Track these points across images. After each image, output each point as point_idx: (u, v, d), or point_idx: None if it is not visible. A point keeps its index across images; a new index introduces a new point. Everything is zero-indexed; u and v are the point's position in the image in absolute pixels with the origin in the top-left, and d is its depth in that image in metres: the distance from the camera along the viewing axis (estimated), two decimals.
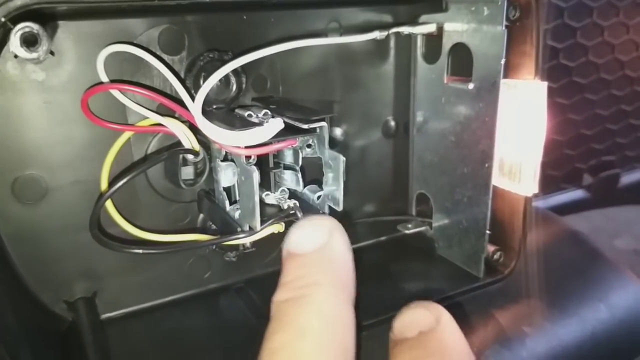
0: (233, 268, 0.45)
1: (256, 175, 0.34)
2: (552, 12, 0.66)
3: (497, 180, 0.45)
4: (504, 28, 0.40)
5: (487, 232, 0.44)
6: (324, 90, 0.47)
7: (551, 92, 0.70)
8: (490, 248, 0.46)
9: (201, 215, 0.43)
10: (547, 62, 0.67)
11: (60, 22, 0.35)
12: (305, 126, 0.36)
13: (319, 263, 0.28)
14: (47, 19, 0.33)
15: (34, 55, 0.28)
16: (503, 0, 0.40)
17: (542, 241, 0.53)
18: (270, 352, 0.26)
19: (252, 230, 0.36)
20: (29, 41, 0.28)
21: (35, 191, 0.38)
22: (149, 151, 0.41)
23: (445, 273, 0.47)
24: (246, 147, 0.34)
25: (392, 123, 0.51)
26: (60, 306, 0.40)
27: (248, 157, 0.35)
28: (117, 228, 0.39)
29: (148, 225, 0.41)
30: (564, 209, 0.73)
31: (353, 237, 0.50)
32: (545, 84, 0.42)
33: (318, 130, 0.37)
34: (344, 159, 0.37)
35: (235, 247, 0.39)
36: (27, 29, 0.28)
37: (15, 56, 0.29)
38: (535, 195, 0.44)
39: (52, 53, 0.36)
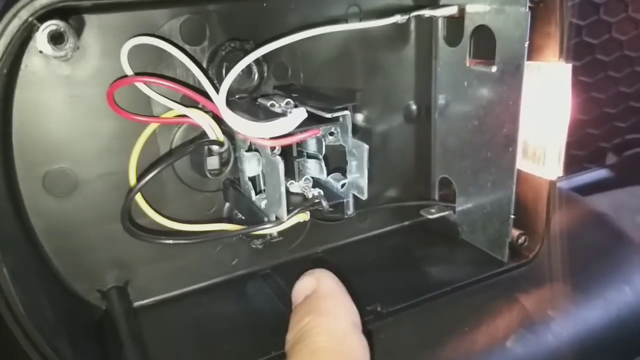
0: (259, 255, 0.46)
1: (281, 166, 0.34)
2: None
3: (521, 163, 0.44)
4: (527, 9, 0.39)
5: (512, 216, 0.44)
6: (345, 76, 0.47)
7: (574, 71, 0.68)
8: (515, 232, 0.46)
9: (227, 204, 0.44)
10: (570, 40, 0.65)
11: (84, 16, 0.35)
12: (328, 115, 0.36)
13: (310, 304, 0.33)
14: (71, 14, 0.33)
15: (62, 53, 0.29)
16: None
17: (566, 224, 0.52)
18: None
19: (278, 220, 0.36)
20: (56, 39, 0.29)
21: (66, 184, 0.39)
22: (175, 142, 0.41)
23: (469, 258, 0.47)
24: (271, 138, 0.34)
25: (414, 107, 0.51)
26: (94, 295, 0.41)
27: (273, 148, 0.36)
28: (146, 219, 0.40)
29: (176, 214, 0.42)
30: (588, 189, 0.72)
31: (377, 223, 0.52)
32: (569, 66, 0.41)
33: (341, 119, 0.37)
34: (368, 147, 0.37)
35: (262, 236, 0.40)
36: (53, 27, 0.28)
37: (40, 52, 0.30)
38: (559, 177, 0.44)
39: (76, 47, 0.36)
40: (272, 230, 0.37)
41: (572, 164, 0.71)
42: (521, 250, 0.46)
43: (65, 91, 0.37)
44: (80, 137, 0.38)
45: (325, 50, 0.45)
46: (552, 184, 0.45)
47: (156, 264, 0.43)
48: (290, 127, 0.34)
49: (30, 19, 0.26)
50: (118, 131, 0.39)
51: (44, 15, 0.28)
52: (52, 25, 0.28)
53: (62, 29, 0.29)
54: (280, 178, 0.35)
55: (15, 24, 0.26)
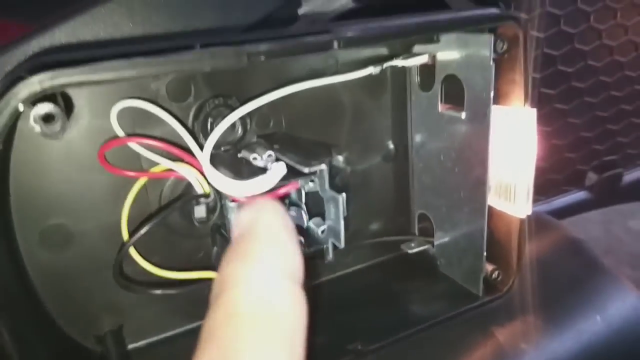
0: None
1: None
2: (548, 20, 0.68)
3: (493, 200, 0.47)
4: (491, 63, 0.42)
5: (484, 253, 0.47)
6: (325, 122, 0.49)
7: (550, 99, 0.72)
8: (489, 267, 0.48)
9: (215, 248, 0.46)
10: (545, 70, 0.68)
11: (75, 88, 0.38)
12: (306, 170, 0.39)
13: (240, 245, 0.29)
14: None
15: (50, 130, 0.31)
16: (490, 36, 0.42)
17: (539, 253, 0.55)
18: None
19: None
20: (47, 119, 0.31)
21: (61, 237, 0.41)
22: (164, 192, 0.44)
23: (447, 291, 0.50)
24: (252, 196, 0.37)
25: (392, 147, 0.53)
26: (90, 340, 0.44)
27: None
28: (136, 266, 0.42)
29: (165, 260, 0.44)
30: (566, 212, 0.75)
31: (359, 257, 0.54)
32: (534, 111, 0.44)
33: (318, 172, 0.39)
34: (344, 197, 0.40)
35: None
36: (44, 110, 0.31)
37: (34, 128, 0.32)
38: (537, 200, 0.47)
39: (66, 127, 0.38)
40: None
41: (551, 187, 0.74)
42: (495, 284, 0.49)
43: (59, 152, 0.39)
44: (74, 192, 0.41)
45: (305, 99, 0.47)
46: (523, 221, 0.47)
47: (149, 307, 0.45)
48: (271, 184, 0.37)
49: (21, 106, 0.29)
50: (110, 185, 0.41)
51: (35, 100, 0.30)
52: (42, 108, 0.31)
53: (53, 111, 0.31)
54: None
55: (7, 111, 0.28)
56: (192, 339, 0.46)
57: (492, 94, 0.42)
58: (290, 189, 0.39)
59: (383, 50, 0.48)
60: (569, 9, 0.69)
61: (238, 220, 0.31)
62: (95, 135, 0.40)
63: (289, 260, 0.28)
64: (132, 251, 0.41)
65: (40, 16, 0.53)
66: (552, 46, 0.69)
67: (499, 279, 0.49)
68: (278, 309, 0.26)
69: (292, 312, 0.26)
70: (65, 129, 0.33)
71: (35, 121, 0.31)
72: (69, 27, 0.45)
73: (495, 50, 0.42)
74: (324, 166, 0.39)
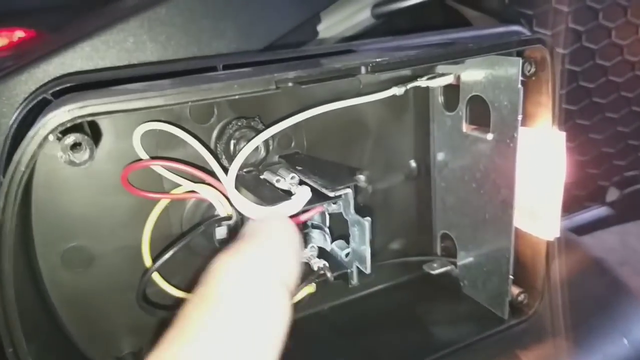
0: None
1: None
2: (569, 36, 0.67)
3: (520, 222, 0.46)
4: (520, 85, 0.41)
5: (511, 277, 0.46)
6: (347, 142, 0.49)
7: (571, 115, 0.71)
8: (515, 290, 0.47)
9: None
10: (565, 87, 0.67)
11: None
12: (331, 194, 0.38)
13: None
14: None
15: (78, 159, 0.31)
16: (519, 59, 0.41)
17: (564, 272, 0.54)
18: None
19: None
20: (73, 147, 0.31)
21: (83, 259, 0.41)
22: (185, 214, 0.43)
23: (471, 313, 0.49)
24: None
25: (414, 165, 0.52)
26: None
27: None
28: (156, 287, 0.42)
29: (186, 281, 0.43)
30: (587, 228, 0.74)
31: (381, 277, 0.53)
32: (563, 134, 0.43)
33: (343, 196, 0.39)
34: (369, 222, 0.39)
35: None
36: (72, 139, 0.30)
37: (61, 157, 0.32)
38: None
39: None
40: None
41: (573, 203, 0.73)
42: (521, 307, 0.48)
43: (81, 174, 0.39)
44: (96, 214, 0.40)
45: (327, 119, 0.46)
46: (549, 243, 0.46)
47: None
48: (296, 209, 0.36)
49: (51, 137, 0.28)
50: (132, 206, 0.41)
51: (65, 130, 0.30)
52: (71, 138, 0.30)
53: (80, 141, 0.31)
54: None
55: (36, 141, 0.28)
56: None
57: (520, 117, 0.42)
58: (315, 213, 0.38)
59: (406, 72, 0.47)
60: (590, 25, 0.68)
61: (244, 227, 0.33)
62: (118, 157, 0.39)
63: (282, 266, 0.29)
64: (155, 275, 0.41)
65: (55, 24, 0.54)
66: (574, 62, 0.68)
67: (524, 302, 0.48)
68: (256, 304, 0.27)
69: (269, 311, 0.27)
70: (94, 156, 0.32)
71: (63, 151, 0.30)
72: (90, 46, 0.45)
73: (523, 73, 0.42)
74: (349, 190, 0.39)
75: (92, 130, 0.35)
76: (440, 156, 0.50)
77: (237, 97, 0.32)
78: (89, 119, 0.29)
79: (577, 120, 0.71)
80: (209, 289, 0.27)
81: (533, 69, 0.42)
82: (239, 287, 0.27)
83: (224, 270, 0.28)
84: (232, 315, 0.26)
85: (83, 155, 0.31)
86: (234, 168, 0.37)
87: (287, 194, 0.38)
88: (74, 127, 0.31)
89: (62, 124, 0.29)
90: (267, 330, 0.27)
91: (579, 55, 0.68)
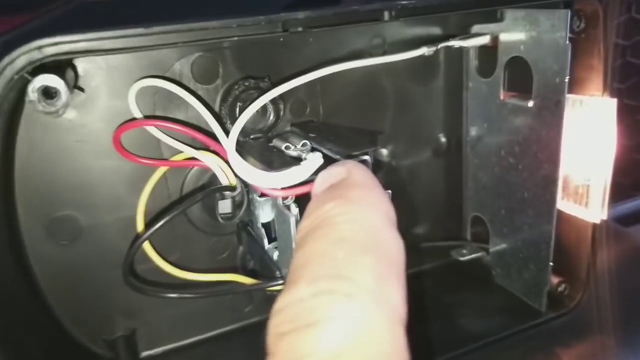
0: (275, 299, 0.43)
1: (294, 220, 0.32)
2: (617, 6, 0.61)
3: (561, 203, 0.41)
4: (567, 41, 0.36)
5: (550, 264, 0.40)
6: (368, 110, 0.44)
7: (618, 93, 0.64)
8: (554, 279, 0.42)
9: (241, 248, 0.41)
10: (614, 61, 0.61)
11: (88, 59, 0.33)
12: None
13: (336, 191, 0.27)
14: (67, 65, 0.31)
15: (52, 109, 0.27)
16: (567, 10, 0.36)
17: (610, 265, 0.48)
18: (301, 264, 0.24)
19: None
20: (47, 94, 0.26)
21: (71, 231, 0.37)
22: (186, 184, 0.39)
23: (504, 305, 0.44)
24: (282, 188, 0.32)
25: (443, 140, 0.47)
26: (100, 345, 0.39)
27: (285, 198, 0.33)
28: (151, 264, 0.38)
29: (185, 258, 0.40)
30: (633, 218, 0.68)
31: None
32: (614, 101, 0.38)
33: None
34: (389, 194, 0.34)
35: None
36: (44, 83, 0.26)
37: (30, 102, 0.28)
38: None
39: (81, 89, 0.34)
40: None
41: (617, 192, 0.67)
42: (561, 298, 0.43)
43: (70, 136, 0.35)
44: (87, 181, 0.36)
45: (346, 84, 0.42)
46: (597, 227, 0.41)
47: (165, 311, 0.41)
48: (304, 176, 0.32)
49: (16, 77, 0.24)
50: (126, 174, 0.37)
51: (35, 70, 0.26)
52: (42, 80, 0.26)
53: (54, 86, 0.26)
54: (292, 233, 0.32)
55: (4, 79, 0.24)
56: (211, 348, 0.42)
57: (567, 79, 0.36)
58: None
59: (436, 30, 0.42)
60: None
61: (326, 174, 0.29)
62: (111, 117, 0.35)
63: (387, 206, 0.27)
64: (148, 247, 0.37)
65: None
66: (622, 35, 0.62)
67: (565, 292, 0.43)
68: (387, 243, 0.24)
69: (399, 248, 0.25)
70: (68, 104, 0.28)
71: (33, 94, 0.26)
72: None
73: (571, 29, 0.36)
74: (367, 157, 0.34)
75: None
76: (473, 129, 0.45)
77: (236, 38, 0.27)
78: (64, 57, 0.25)
79: (624, 100, 0.65)
80: (336, 232, 0.24)
81: (583, 25, 0.37)
82: (368, 231, 0.24)
83: (343, 216, 0.25)
84: (373, 254, 0.23)
85: (56, 101, 0.27)
86: (236, 129, 0.32)
87: (296, 161, 0.33)
88: (47, 69, 0.27)
89: (31, 63, 0.24)
90: (401, 269, 0.25)
91: (628, 28, 0.62)
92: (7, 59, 0.24)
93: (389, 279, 0.23)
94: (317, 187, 0.29)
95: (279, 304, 0.22)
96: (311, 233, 0.25)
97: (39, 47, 0.25)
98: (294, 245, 0.32)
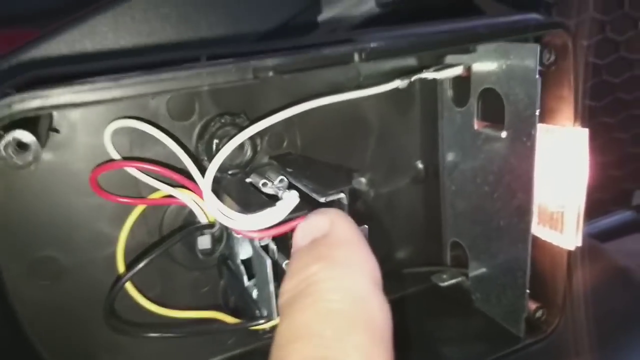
0: (259, 333, 0.43)
1: (269, 264, 0.32)
2: (593, 27, 0.62)
3: (537, 229, 0.41)
4: (538, 75, 0.36)
5: (527, 291, 0.41)
6: (346, 141, 0.44)
7: (595, 112, 0.65)
8: (532, 305, 0.43)
9: (222, 282, 0.41)
10: (589, 81, 0.62)
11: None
12: (322, 199, 0.34)
13: (320, 250, 0.27)
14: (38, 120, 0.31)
15: (22, 163, 0.27)
16: (536, 45, 0.36)
17: (586, 285, 0.49)
18: (290, 339, 0.23)
19: (270, 316, 0.34)
20: (19, 147, 0.27)
21: (52, 271, 0.37)
22: (165, 221, 0.39)
23: (483, 330, 0.44)
24: (258, 230, 0.32)
25: (421, 167, 0.48)
26: None
27: (261, 239, 0.33)
28: (131, 301, 0.38)
29: (165, 293, 0.40)
30: (611, 234, 0.69)
31: (385, 289, 0.48)
32: (586, 131, 0.39)
33: (336, 201, 0.34)
34: (366, 230, 0.34)
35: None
36: (15, 138, 0.26)
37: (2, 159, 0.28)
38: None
39: (57, 131, 0.34)
40: (265, 326, 0.35)
41: (595, 208, 0.68)
42: (539, 324, 0.43)
43: (47, 175, 0.35)
44: (66, 221, 0.36)
45: (323, 115, 0.42)
46: (572, 253, 0.41)
47: (149, 346, 0.41)
48: (280, 217, 0.32)
49: None
50: (105, 212, 0.37)
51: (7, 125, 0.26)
52: (13, 136, 0.26)
53: (25, 140, 0.26)
54: (268, 276, 0.32)
55: None
56: None
57: (538, 112, 0.37)
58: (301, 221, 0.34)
59: (411, 61, 0.43)
60: (615, 15, 0.63)
61: (307, 226, 0.29)
62: (88, 156, 0.36)
63: (373, 266, 0.27)
64: (129, 286, 0.37)
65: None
66: (597, 55, 0.63)
67: (543, 318, 0.43)
68: (373, 312, 0.25)
69: (386, 316, 0.25)
70: (39, 158, 0.28)
71: (4, 151, 0.26)
72: (68, 38, 0.42)
73: (541, 62, 0.37)
74: (342, 195, 0.34)
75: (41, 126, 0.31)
76: (449, 156, 0.46)
77: (206, 88, 0.27)
78: (33, 114, 0.25)
79: (600, 118, 0.66)
80: (321, 303, 0.24)
81: (553, 58, 0.38)
82: (353, 298, 0.25)
83: (328, 282, 0.25)
84: (359, 327, 0.24)
85: (27, 156, 0.27)
86: (212, 170, 0.33)
87: (273, 199, 0.34)
88: (22, 123, 0.27)
89: (1, 119, 0.25)
90: (388, 338, 0.25)
91: (602, 48, 0.63)
92: None
93: (377, 357, 0.23)
94: (298, 240, 0.28)
95: None
96: (297, 300, 0.25)
97: (9, 104, 0.25)
98: (271, 288, 0.33)
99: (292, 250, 0.29)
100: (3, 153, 0.26)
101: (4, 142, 0.26)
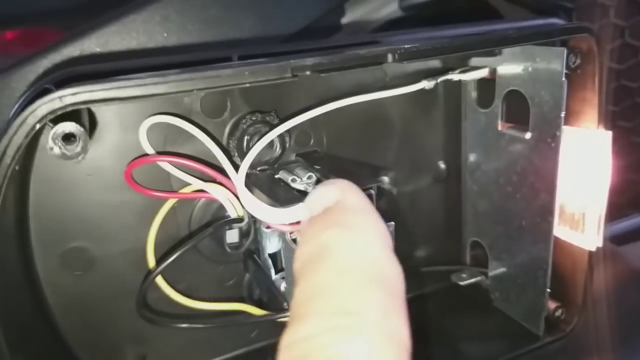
0: (281, 325, 0.44)
1: None
2: (611, 32, 0.62)
3: (558, 230, 0.42)
4: (564, 78, 0.37)
5: (548, 290, 0.42)
6: (370, 140, 0.45)
7: (612, 116, 0.66)
8: (551, 305, 0.43)
9: (247, 275, 0.42)
10: (608, 84, 0.63)
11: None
12: None
13: (333, 216, 0.27)
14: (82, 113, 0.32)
15: (71, 151, 0.28)
16: (563, 48, 0.37)
17: (606, 287, 0.49)
18: (310, 296, 0.24)
19: None
20: (67, 138, 0.28)
21: (83, 262, 0.38)
22: (194, 215, 0.40)
23: (502, 329, 0.45)
24: (290, 224, 0.33)
25: (443, 167, 0.49)
26: None
27: (292, 233, 0.34)
28: (160, 293, 0.39)
29: (192, 286, 0.41)
30: (627, 237, 0.69)
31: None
32: (609, 134, 0.39)
33: None
34: (392, 226, 0.35)
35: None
36: (65, 129, 0.27)
37: (51, 149, 0.29)
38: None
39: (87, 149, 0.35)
40: None
41: (612, 211, 0.68)
42: (558, 323, 0.44)
43: (82, 169, 0.36)
44: (98, 214, 0.37)
45: (348, 115, 0.43)
46: (593, 254, 0.42)
47: (174, 338, 0.42)
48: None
49: (38, 125, 0.25)
50: (136, 206, 0.38)
51: (57, 118, 0.27)
52: (63, 127, 0.27)
53: (74, 131, 0.28)
54: None
55: (24, 130, 0.25)
56: None
57: (563, 114, 0.37)
58: None
59: (436, 63, 0.44)
60: (634, 20, 0.64)
61: (318, 195, 0.29)
62: (123, 152, 0.37)
63: (384, 231, 0.27)
64: (159, 278, 0.38)
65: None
66: (616, 60, 0.64)
67: (562, 317, 0.43)
68: (389, 273, 0.25)
69: (400, 276, 0.25)
70: (87, 149, 0.29)
71: (54, 141, 0.27)
72: (100, 37, 0.43)
73: (567, 65, 0.38)
74: (371, 192, 0.35)
75: (91, 121, 0.32)
76: (472, 157, 0.46)
77: (248, 85, 0.28)
78: (83, 106, 0.26)
79: (618, 122, 0.66)
80: (338, 265, 0.25)
81: (578, 61, 0.38)
82: (369, 260, 0.25)
83: (343, 246, 0.25)
84: (376, 287, 0.24)
85: (75, 147, 0.28)
86: (245, 165, 0.34)
87: (303, 195, 0.35)
88: (67, 116, 0.28)
89: (52, 112, 0.26)
90: (402, 298, 0.25)
91: (621, 53, 0.64)
92: (29, 109, 0.26)
93: (395, 311, 0.24)
94: (309, 210, 0.28)
95: (288, 339, 0.22)
96: (312, 263, 0.25)
97: (60, 97, 0.26)
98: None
99: (305, 219, 0.29)
100: (52, 144, 0.27)
101: (52, 133, 0.27)
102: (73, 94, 0.26)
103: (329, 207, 0.28)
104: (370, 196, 0.35)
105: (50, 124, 0.27)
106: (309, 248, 0.26)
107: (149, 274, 0.36)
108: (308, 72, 0.30)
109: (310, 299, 0.23)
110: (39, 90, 0.33)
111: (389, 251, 0.26)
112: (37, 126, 0.26)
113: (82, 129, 0.28)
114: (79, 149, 0.28)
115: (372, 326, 0.22)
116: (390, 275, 0.25)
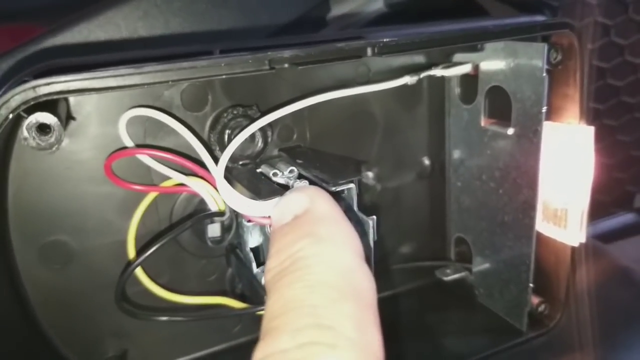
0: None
1: None
2: (597, 31, 0.62)
3: (541, 225, 0.42)
4: (544, 74, 0.37)
5: (531, 285, 0.42)
6: (354, 135, 0.45)
7: (598, 115, 0.66)
8: (534, 300, 0.43)
9: (230, 270, 0.42)
10: (593, 84, 0.63)
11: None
12: (332, 188, 0.35)
13: (303, 226, 0.27)
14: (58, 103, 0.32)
15: (46, 144, 0.28)
16: (544, 44, 0.37)
17: (588, 282, 0.50)
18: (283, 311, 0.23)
19: None
20: (42, 130, 0.27)
21: (63, 255, 0.38)
22: (175, 209, 0.40)
23: (486, 325, 0.45)
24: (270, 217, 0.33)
25: (427, 163, 0.49)
26: None
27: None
28: (141, 287, 0.39)
29: (174, 281, 0.40)
30: (613, 235, 0.69)
31: (389, 283, 0.49)
32: (591, 129, 0.39)
33: (345, 192, 0.35)
34: (375, 221, 0.35)
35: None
36: (38, 120, 0.27)
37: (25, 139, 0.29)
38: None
39: (73, 118, 0.35)
40: None
41: (598, 209, 0.68)
42: (541, 318, 0.44)
43: (62, 162, 0.36)
44: (78, 207, 0.37)
45: (332, 110, 0.43)
46: (575, 250, 0.42)
47: (155, 332, 0.41)
48: None
49: (11, 115, 0.25)
50: (117, 200, 0.38)
51: (30, 108, 0.27)
52: (36, 118, 0.27)
53: (48, 122, 0.27)
54: None
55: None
56: None
57: (544, 109, 0.38)
58: None
59: (420, 59, 0.44)
60: (619, 19, 0.64)
61: (288, 203, 0.29)
62: (102, 145, 0.36)
63: (355, 240, 0.27)
64: (139, 271, 0.38)
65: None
66: (602, 58, 0.64)
67: (545, 312, 0.44)
68: (361, 285, 0.25)
69: (372, 286, 0.25)
70: (62, 140, 0.29)
71: (28, 132, 0.27)
72: (82, 30, 0.42)
73: (548, 61, 0.38)
74: (352, 185, 0.35)
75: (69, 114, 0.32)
76: (456, 153, 0.47)
77: (224, 77, 0.28)
78: (57, 97, 0.26)
79: (604, 121, 0.66)
80: (310, 278, 0.25)
81: (559, 57, 0.38)
82: (341, 272, 0.25)
83: (314, 258, 0.25)
84: (350, 298, 0.24)
85: (49, 138, 0.28)
86: (225, 158, 0.33)
87: (284, 188, 0.35)
88: (42, 107, 0.27)
89: (25, 102, 0.25)
90: (375, 309, 0.25)
91: (607, 51, 0.64)
92: (2, 99, 0.25)
93: (368, 324, 0.23)
94: (278, 218, 0.28)
95: (261, 353, 0.22)
96: (284, 276, 0.25)
97: (34, 87, 0.26)
98: None
99: (272, 227, 0.29)
100: (26, 134, 0.27)
101: (27, 123, 0.27)
102: (47, 84, 0.26)
103: (299, 215, 0.28)
104: (350, 190, 0.35)
105: (24, 114, 0.27)
106: (280, 260, 0.26)
107: (129, 265, 0.36)
108: (286, 65, 0.30)
109: (284, 312, 0.23)
110: (17, 82, 0.33)
111: (361, 260, 0.26)
112: (10, 116, 0.25)
113: (56, 120, 0.28)
114: (52, 139, 0.28)
115: (346, 340, 0.22)
116: (362, 287, 0.25)
